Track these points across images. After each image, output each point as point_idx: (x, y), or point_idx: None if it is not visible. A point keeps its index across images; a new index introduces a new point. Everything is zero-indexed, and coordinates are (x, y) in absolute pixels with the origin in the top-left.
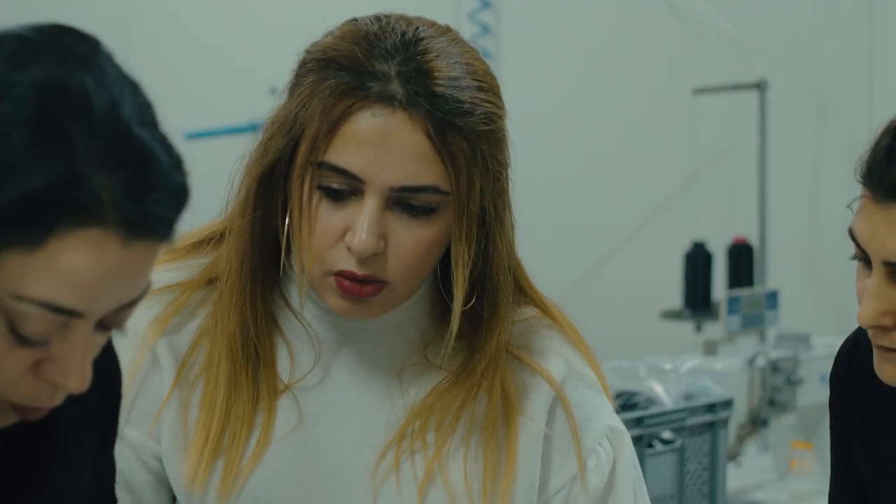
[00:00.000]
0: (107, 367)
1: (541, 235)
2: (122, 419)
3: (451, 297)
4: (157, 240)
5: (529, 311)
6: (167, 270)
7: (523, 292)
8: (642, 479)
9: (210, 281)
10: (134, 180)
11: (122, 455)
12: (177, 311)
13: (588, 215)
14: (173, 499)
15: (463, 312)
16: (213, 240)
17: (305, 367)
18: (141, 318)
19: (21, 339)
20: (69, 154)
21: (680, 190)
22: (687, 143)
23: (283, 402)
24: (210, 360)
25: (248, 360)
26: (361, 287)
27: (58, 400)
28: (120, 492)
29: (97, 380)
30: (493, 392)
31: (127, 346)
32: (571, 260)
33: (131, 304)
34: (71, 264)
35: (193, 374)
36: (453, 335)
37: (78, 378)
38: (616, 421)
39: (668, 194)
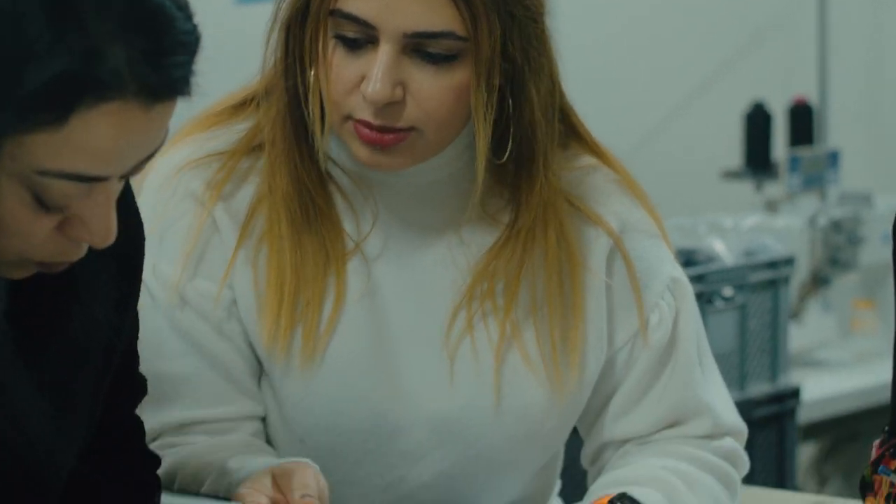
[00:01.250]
0: (125, 223)
1: (600, 93)
2: (188, 274)
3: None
4: (177, 98)
5: (586, 160)
6: (210, 139)
7: (578, 138)
8: (704, 331)
9: (254, 148)
10: (151, 47)
11: (192, 322)
12: (227, 177)
13: (647, 74)
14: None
15: (505, 163)
16: (252, 101)
17: (365, 229)
18: (191, 182)
19: (46, 208)
20: (83, 32)
21: (740, 49)
22: (747, 1)
23: (352, 265)
24: (270, 223)
25: (309, 221)
26: (382, 135)
27: (81, 253)
28: (197, 361)
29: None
30: (550, 244)
31: (184, 210)
32: (630, 119)
33: (151, 156)
34: (93, 138)
35: (255, 236)
36: (479, 188)
37: (104, 234)
38: (678, 271)
39: (727, 54)
